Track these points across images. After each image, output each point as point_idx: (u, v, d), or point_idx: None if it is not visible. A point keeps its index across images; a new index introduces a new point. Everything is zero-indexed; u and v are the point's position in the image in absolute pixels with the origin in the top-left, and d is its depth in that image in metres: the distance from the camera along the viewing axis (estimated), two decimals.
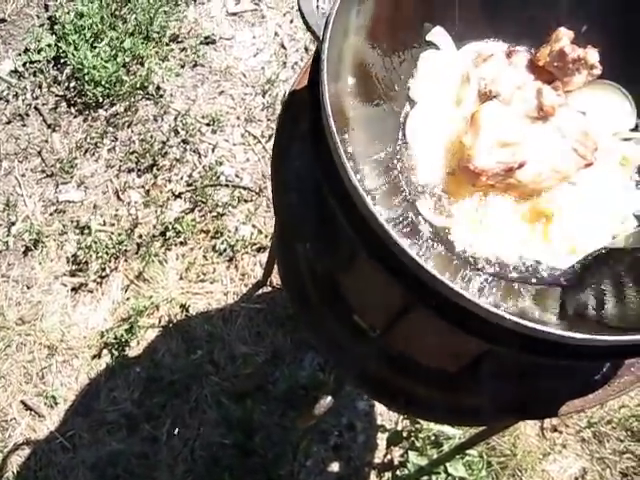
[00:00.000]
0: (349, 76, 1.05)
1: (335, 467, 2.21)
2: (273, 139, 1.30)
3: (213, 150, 2.54)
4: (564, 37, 1.11)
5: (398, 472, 2.18)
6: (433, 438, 2.19)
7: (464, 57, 1.19)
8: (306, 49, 2.69)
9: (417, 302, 1.00)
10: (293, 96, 1.32)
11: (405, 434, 2.19)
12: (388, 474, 2.20)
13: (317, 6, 1.05)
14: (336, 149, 0.92)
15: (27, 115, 2.59)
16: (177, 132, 2.55)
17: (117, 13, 2.67)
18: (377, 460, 2.22)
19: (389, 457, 2.22)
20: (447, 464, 2.10)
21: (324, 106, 0.95)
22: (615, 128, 1.17)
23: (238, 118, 2.60)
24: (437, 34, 1.18)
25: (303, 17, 1.03)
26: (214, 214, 2.44)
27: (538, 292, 1.08)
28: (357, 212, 0.92)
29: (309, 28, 1.03)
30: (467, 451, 2.15)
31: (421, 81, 1.17)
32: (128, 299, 2.35)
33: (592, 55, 1.10)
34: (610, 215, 1.12)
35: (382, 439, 2.23)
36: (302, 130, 1.27)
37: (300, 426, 2.03)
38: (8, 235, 2.41)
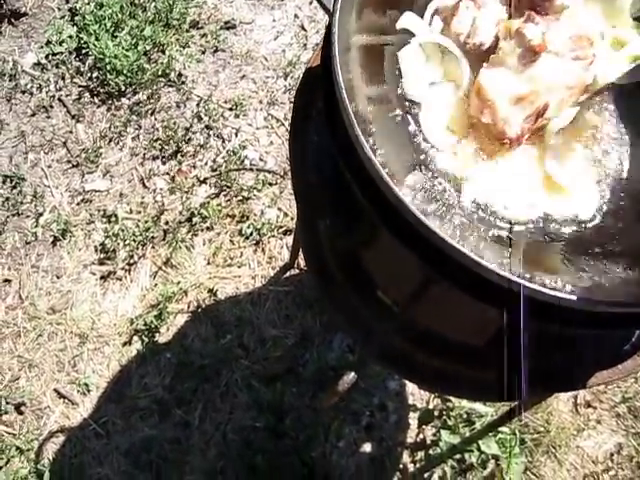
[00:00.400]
0: (359, 50, 1.04)
1: (367, 447, 2.21)
2: (290, 118, 1.29)
3: (236, 134, 2.54)
4: None
5: (431, 451, 2.17)
6: (465, 416, 2.18)
7: (435, 29, 1.16)
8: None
9: (437, 274, 0.99)
10: (308, 74, 1.31)
11: (437, 413, 2.18)
12: (421, 453, 2.19)
13: None
14: (349, 119, 0.91)
15: (51, 107, 2.61)
16: (200, 118, 2.55)
17: (137, 2, 2.68)
18: (409, 439, 2.22)
19: (421, 436, 2.21)
20: (480, 442, 2.09)
21: (336, 78, 0.94)
22: None
23: (260, 102, 2.59)
24: (406, 19, 1.14)
25: None
26: (239, 198, 2.44)
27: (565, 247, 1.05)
28: (373, 185, 0.91)
29: (320, 1, 1.01)
30: (499, 428, 2.13)
31: (412, 82, 1.13)
32: (156, 285, 2.36)
33: None
34: None
35: (414, 418, 2.23)
36: (318, 107, 1.27)
37: (325, 405, 2.03)
38: (36, 226, 2.43)
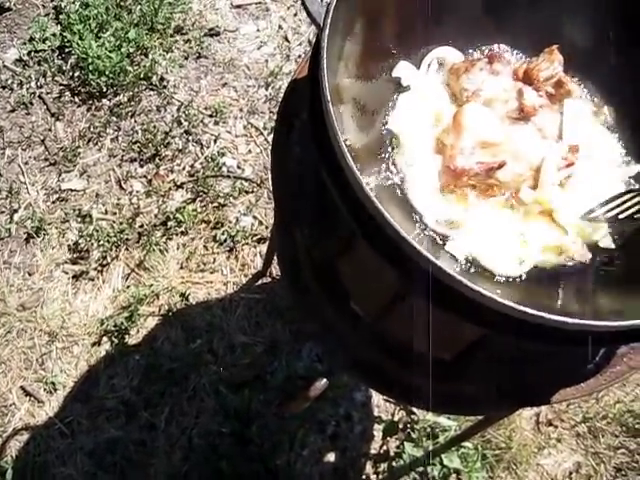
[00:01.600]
0: (348, 65, 1.06)
1: (331, 457, 2.23)
2: (274, 126, 1.31)
3: (215, 141, 2.56)
4: (556, 61, 1.13)
5: (394, 463, 2.19)
6: (429, 430, 2.20)
7: (431, 80, 1.20)
8: (310, 42, 2.71)
9: (411, 287, 1.01)
10: (294, 85, 1.34)
11: (401, 425, 2.20)
12: (384, 465, 2.21)
13: None
14: (332, 129, 0.93)
15: (31, 104, 2.61)
16: (180, 123, 2.57)
17: (122, 4, 2.69)
18: (373, 451, 2.24)
19: (385, 448, 2.23)
20: (442, 455, 2.12)
21: (323, 90, 0.96)
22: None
23: (241, 110, 2.61)
24: (401, 69, 1.18)
25: (304, 4, 1.04)
26: (215, 205, 2.46)
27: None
28: (353, 194, 0.94)
29: (310, 15, 1.04)
30: (462, 443, 2.16)
31: (398, 118, 1.17)
32: (128, 287, 2.36)
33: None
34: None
35: (378, 430, 2.25)
36: (302, 118, 1.29)
37: (294, 410, 2.05)
38: (10, 222, 2.43)
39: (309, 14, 1.05)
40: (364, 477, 2.22)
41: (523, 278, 1.08)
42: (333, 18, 1.00)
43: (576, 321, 0.89)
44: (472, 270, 1.06)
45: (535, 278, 1.09)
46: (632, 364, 1.26)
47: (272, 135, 1.31)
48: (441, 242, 1.07)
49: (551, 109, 1.14)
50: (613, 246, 1.13)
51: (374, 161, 1.08)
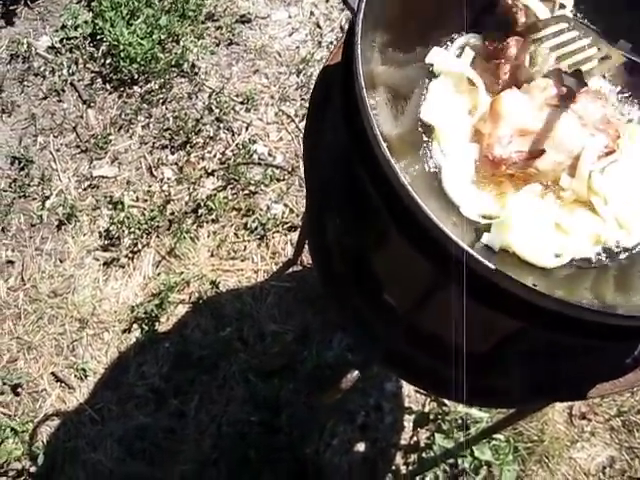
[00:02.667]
0: (382, 51, 1.04)
1: (361, 447, 2.21)
2: (306, 113, 1.29)
3: (247, 128, 2.54)
4: None
5: (424, 454, 2.17)
6: (460, 421, 2.18)
7: (464, 63, 1.17)
8: (342, 29, 2.68)
9: (447, 279, 0.99)
10: (326, 72, 1.32)
11: (432, 416, 2.18)
12: (414, 456, 2.20)
13: None
14: (367, 116, 0.91)
15: (63, 91, 2.61)
16: (211, 110, 2.56)
17: None
18: (403, 441, 2.22)
19: (415, 439, 2.21)
20: (474, 447, 2.10)
21: (357, 76, 0.94)
22: None
23: (272, 97, 2.59)
24: (434, 55, 1.16)
25: None
26: (246, 192, 2.44)
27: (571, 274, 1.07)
28: (387, 183, 0.91)
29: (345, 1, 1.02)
30: (494, 435, 2.14)
31: (432, 108, 1.14)
32: (159, 275, 2.36)
33: None
34: None
35: (409, 421, 2.23)
36: (334, 106, 1.27)
37: (326, 401, 2.04)
38: (42, 209, 2.44)
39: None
40: (394, 468, 2.20)
41: (561, 270, 1.05)
42: (367, 2, 0.97)
43: (622, 313, 0.86)
44: (509, 261, 1.03)
45: (574, 270, 1.07)
46: None
47: (304, 122, 1.29)
48: (477, 233, 1.04)
49: (593, 96, 1.11)
50: None
51: (409, 150, 1.06)
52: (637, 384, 1.21)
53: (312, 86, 2.51)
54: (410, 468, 2.19)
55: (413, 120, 1.12)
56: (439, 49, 1.16)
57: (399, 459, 2.21)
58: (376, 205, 0.99)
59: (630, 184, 1.11)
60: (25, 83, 2.62)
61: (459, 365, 1.36)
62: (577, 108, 1.08)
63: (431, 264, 0.96)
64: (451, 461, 2.15)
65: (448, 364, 1.37)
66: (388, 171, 0.90)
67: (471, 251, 0.87)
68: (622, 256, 1.09)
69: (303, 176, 1.36)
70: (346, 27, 2.65)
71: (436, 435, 2.14)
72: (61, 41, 2.67)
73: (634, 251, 1.10)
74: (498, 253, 1.03)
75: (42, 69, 2.64)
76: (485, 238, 1.04)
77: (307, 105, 2.38)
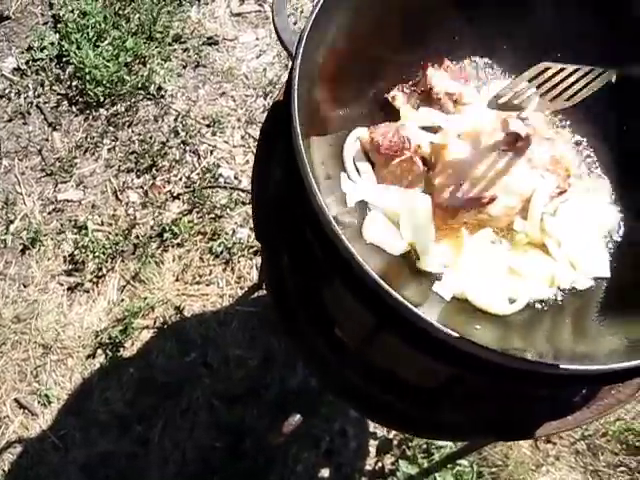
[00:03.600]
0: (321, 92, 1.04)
1: (325, 473, 2.21)
2: (255, 152, 1.29)
3: (212, 152, 2.54)
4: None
5: None
6: (424, 447, 2.18)
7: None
8: None
9: (385, 327, 0.99)
10: (276, 107, 1.31)
11: (396, 442, 2.18)
12: None
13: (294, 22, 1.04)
14: (304, 169, 0.91)
15: (28, 113, 2.59)
16: (177, 133, 2.55)
17: (120, 12, 2.68)
18: (368, 467, 2.21)
19: (380, 465, 2.21)
20: (436, 474, 2.10)
21: (293, 124, 0.94)
22: None
23: (239, 120, 2.59)
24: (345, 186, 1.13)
25: (277, 33, 1.02)
26: (212, 216, 2.44)
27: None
28: (324, 234, 0.92)
29: (282, 44, 1.02)
30: (458, 461, 2.13)
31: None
32: (123, 300, 2.35)
33: None
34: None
35: (373, 446, 2.22)
36: (283, 143, 1.27)
37: (272, 442, 2.03)
38: (6, 233, 2.42)
39: (282, 42, 1.03)
40: None
41: (517, 315, 1.06)
42: (305, 49, 0.98)
43: (569, 367, 0.86)
44: (462, 308, 1.04)
45: (529, 314, 1.07)
46: (620, 397, 1.23)
47: (254, 160, 1.29)
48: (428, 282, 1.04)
49: (539, 138, 1.12)
50: (608, 275, 1.11)
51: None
52: (584, 422, 1.22)
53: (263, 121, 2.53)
54: None
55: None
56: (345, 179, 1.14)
57: None
58: (317, 254, 1.00)
59: (582, 224, 1.12)
60: None
61: (409, 400, 1.37)
62: (529, 157, 1.08)
63: (367, 311, 0.97)
64: None
65: (399, 398, 1.38)
66: (323, 221, 0.90)
67: (406, 302, 0.87)
68: (577, 297, 1.10)
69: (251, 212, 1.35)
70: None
71: (400, 461, 2.14)
72: (27, 63, 2.66)
73: (588, 292, 1.10)
74: (451, 301, 1.03)
75: (7, 91, 2.62)
76: (436, 286, 1.04)
77: (257, 143, 2.37)
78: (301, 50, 0.97)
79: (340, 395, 1.47)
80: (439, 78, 1.13)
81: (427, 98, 1.14)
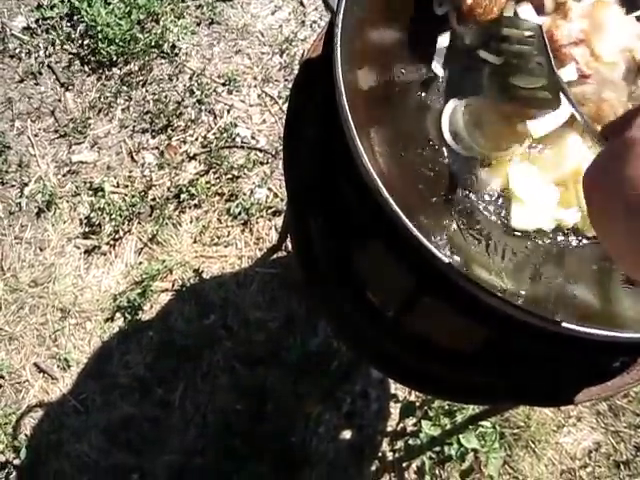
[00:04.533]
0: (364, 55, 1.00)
1: (347, 435, 2.20)
2: (286, 109, 1.25)
3: (229, 111, 2.49)
4: None
5: (410, 441, 2.16)
6: (446, 408, 2.17)
7: None
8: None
9: (428, 289, 0.97)
10: (307, 65, 1.27)
11: (418, 404, 2.17)
12: (400, 443, 2.19)
13: None
14: (350, 132, 0.88)
15: (40, 73, 2.54)
16: (192, 92, 2.50)
17: None
18: (389, 429, 2.21)
19: (402, 426, 2.20)
20: (460, 435, 2.08)
21: (337, 83, 0.90)
22: None
23: (255, 78, 2.54)
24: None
25: None
26: (229, 176, 2.40)
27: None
28: (370, 195, 0.88)
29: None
30: (480, 422, 2.12)
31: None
32: (141, 262, 2.33)
33: None
34: None
35: (395, 408, 2.22)
36: (315, 102, 1.23)
37: (307, 410, 2.03)
38: (21, 196, 2.39)
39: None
40: (380, 455, 2.20)
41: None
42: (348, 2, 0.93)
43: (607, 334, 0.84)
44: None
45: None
46: None
47: (285, 119, 1.25)
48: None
49: None
50: None
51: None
52: (624, 388, 1.19)
53: (296, 66, 2.48)
54: (396, 455, 2.19)
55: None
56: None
57: (385, 446, 2.20)
58: (356, 208, 0.97)
59: None
60: (0, 66, 2.55)
61: (443, 364, 1.35)
62: None
63: (406, 268, 0.94)
64: (437, 448, 2.14)
65: (433, 362, 1.36)
66: (366, 177, 0.87)
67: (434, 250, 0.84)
68: None
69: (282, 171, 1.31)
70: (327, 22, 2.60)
71: (422, 422, 2.13)
72: (37, 21, 2.60)
73: None
74: None
75: (18, 51, 2.57)
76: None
77: (290, 87, 2.33)
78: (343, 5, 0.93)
79: (373, 362, 1.45)
80: None
81: None
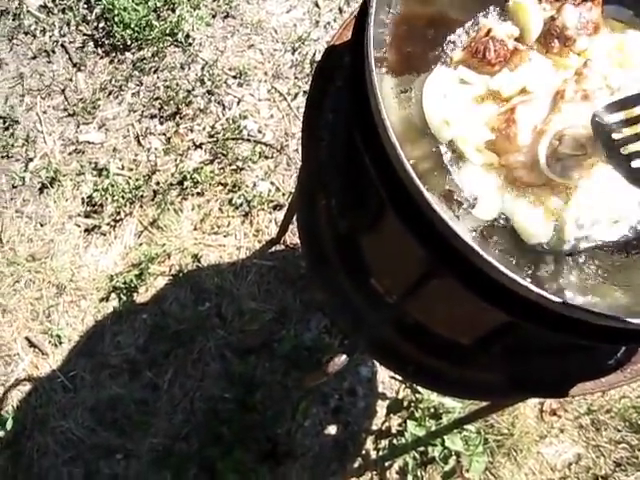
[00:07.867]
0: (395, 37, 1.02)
1: (332, 430, 2.22)
2: (308, 90, 1.27)
3: (238, 103, 2.51)
4: None
5: (395, 441, 2.18)
6: (433, 410, 2.19)
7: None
8: (340, 10, 2.65)
9: (441, 268, 0.98)
10: (331, 51, 1.29)
11: (405, 403, 2.19)
12: (385, 441, 2.21)
13: None
14: (376, 101, 0.90)
15: (53, 52, 2.56)
16: (203, 82, 2.52)
17: None
18: (375, 427, 2.23)
19: (387, 425, 2.22)
20: (445, 437, 2.11)
21: (368, 61, 0.92)
22: None
23: (266, 73, 2.57)
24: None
25: None
26: (233, 167, 2.42)
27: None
28: (390, 166, 0.90)
29: None
30: (465, 426, 2.15)
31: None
32: (140, 245, 2.34)
33: None
34: None
35: (382, 407, 2.24)
36: (337, 85, 1.25)
37: (307, 384, 2.03)
38: (25, 171, 2.40)
39: None
40: (364, 452, 2.21)
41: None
42: None
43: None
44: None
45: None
46: None
47: (296, 101, 1.27)
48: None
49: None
50: None
51: (415, 135, 1.05)
52: (617, 385, 1.22)
53: (307, 65, 2.52)
54: (380, 454, 2.20)
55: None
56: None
57: (370, 444, 2.22)
58: (376, 190, 0.98)
59: None
60: (14, 41, 2.57)
61: (442, 356, 1.37)
62: None
63: (422, 248, 0.96)
64: (422, 449, 2.16)
65: (432, 354, 1.38)
66: (393, 156, 0.89)
67: (468, 240, 0.86)
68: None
69: (300, 149, 1.33)
70: (345, 9, 2.64)
71: (408, 422, 2.15)
72: (54, 0, 2.62)
73: None
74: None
75: (32, 28, 2.59)
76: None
77: (300, 84, 2.36)
78: None
79: (371, 348, 1.46)
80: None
81: None
